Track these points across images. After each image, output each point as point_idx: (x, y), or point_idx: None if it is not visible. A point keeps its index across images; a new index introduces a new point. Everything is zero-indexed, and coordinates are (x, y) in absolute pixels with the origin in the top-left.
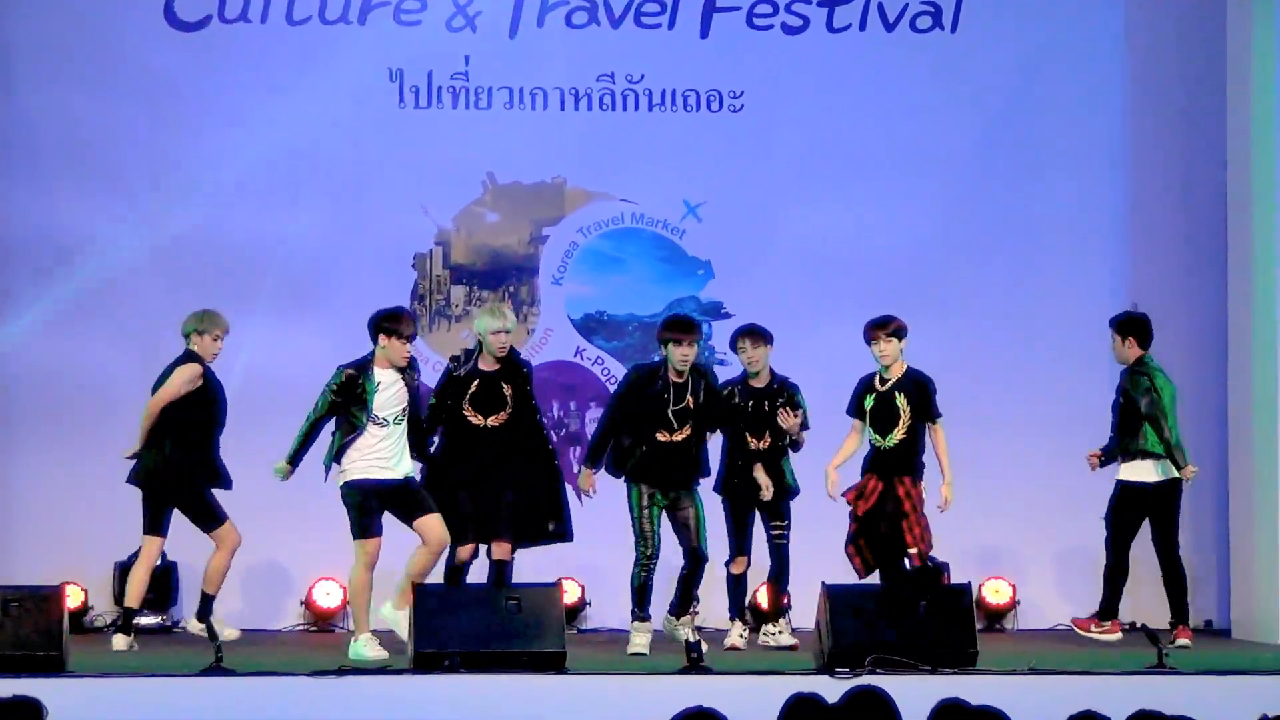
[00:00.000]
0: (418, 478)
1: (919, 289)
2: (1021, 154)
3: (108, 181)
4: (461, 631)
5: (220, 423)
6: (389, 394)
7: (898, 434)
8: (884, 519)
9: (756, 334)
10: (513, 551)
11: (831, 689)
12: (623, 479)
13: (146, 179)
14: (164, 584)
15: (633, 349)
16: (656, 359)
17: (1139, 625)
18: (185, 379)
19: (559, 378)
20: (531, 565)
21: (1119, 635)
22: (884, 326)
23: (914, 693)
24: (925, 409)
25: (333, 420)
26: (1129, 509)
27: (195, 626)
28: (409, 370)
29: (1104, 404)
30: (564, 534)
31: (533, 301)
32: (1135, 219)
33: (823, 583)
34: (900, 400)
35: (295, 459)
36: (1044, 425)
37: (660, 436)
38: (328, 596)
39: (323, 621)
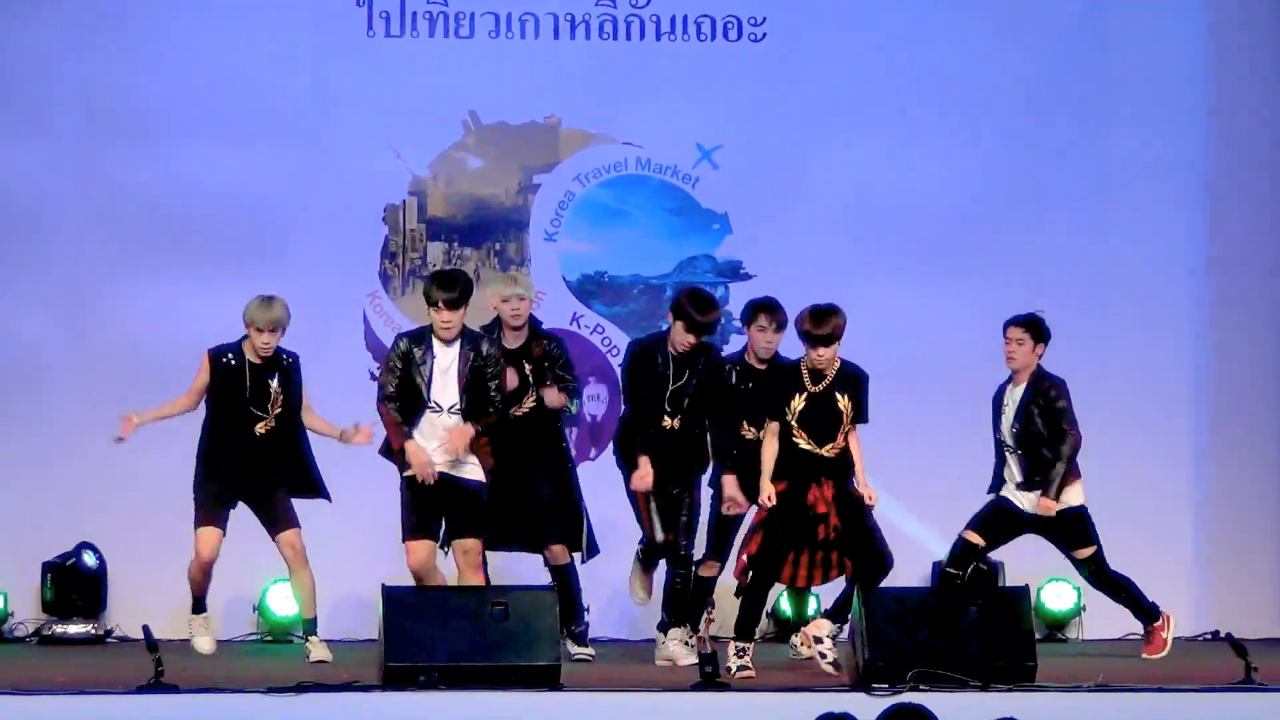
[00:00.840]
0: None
1: (968, 246)
2: (1086, 90)
3: (34, 121)
4: (439, 642)
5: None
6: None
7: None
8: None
9: (778, 312)
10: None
11: (867, 707)
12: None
13: (79, 118)
14: (93, 589)
15: (637, 315)
16: (665, 327)
17: (1224, 635)
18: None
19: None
20: (520, 566)
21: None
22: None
23: (963, 712)
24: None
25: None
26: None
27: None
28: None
29: (1186, 380)
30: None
31: (522, 260)
32: (1217, 168)
33: (856, 585)
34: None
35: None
36: (1114, 404)
37: (662, 422)
38: (285, 602)
39: (278, 631)
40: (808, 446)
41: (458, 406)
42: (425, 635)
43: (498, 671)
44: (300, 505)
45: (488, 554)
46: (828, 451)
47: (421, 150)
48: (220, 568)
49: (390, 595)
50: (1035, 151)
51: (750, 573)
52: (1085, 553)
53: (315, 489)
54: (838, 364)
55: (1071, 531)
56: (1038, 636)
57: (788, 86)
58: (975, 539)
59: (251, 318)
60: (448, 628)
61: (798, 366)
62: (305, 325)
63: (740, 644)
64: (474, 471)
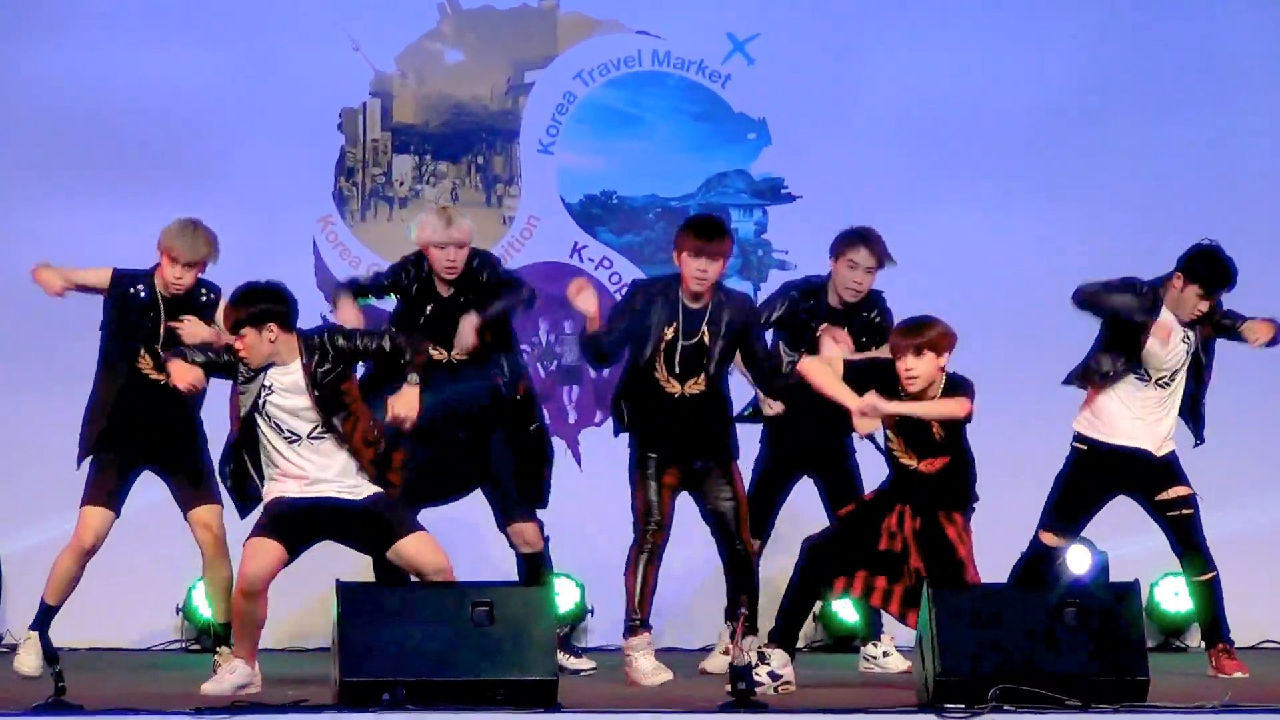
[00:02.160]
0: None
1: (1058, 160)
2: None
3: None
4: (408, 652)
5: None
6: None
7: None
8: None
9: (877, 245)
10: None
11: None
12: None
13: None
14: None
15: (653, 246)
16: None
17: None
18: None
19: (549, 287)
20: (508, 559)
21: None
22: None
23: None
24: None
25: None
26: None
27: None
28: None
29: None
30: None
31: (511, 178)
32: None
33: (925, 583)
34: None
35: None
36: (1244, 363)
37: (667, 386)
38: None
39: (208, 638)
40: (906, 460)
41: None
42: (390, 643)
43: (480, 687)
44: None
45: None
46: (925, 467)
47: (386, 41)
48: (134, 559)
49: (347, 594)
50: (1141, 43)
51: (804, 565)
52: (1177, 492)
53: None
54: (943, 378)
55: (1170, 467)
56: (1150, 645)
57: None
58: (1053, 540)
59: (169, 245)
60: (418, 634)
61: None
62: (243, 257)
63: (780, 652)
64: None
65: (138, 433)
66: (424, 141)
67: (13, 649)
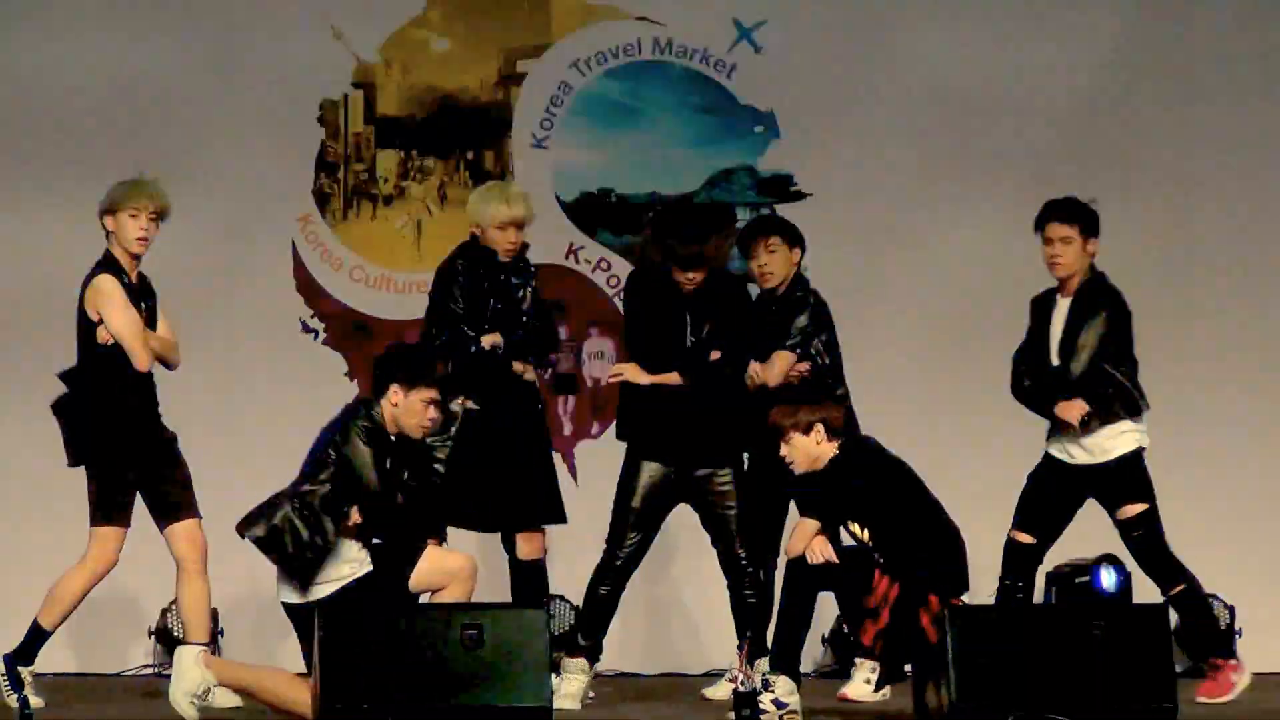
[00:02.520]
0: None
1: (1086, 158)
2: None
3: None
4: (393, 677)
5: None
6: None
7: None
8: None
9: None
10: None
11: None
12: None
13: None
14: None
15: None
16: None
17: None
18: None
19: (543, 291)
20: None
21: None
22: None
23: None
24: None
25: None
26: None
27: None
28: None
29: None
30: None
31: (502, 173)
32: None
33: (942, 600)
34: None
35: None
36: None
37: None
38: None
39: None
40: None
41: None
42: (374, 669)
43: (469, 714)
44: (199, 481)
45: None
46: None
47: (369, 28)
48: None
49: (329, 615)
50: (1179, 35)
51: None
52: (1133, 510)
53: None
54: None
55: (1121, 481)
56: (1178, 669)
57: None
58: (1024, 538)
59: (128, 200)
60: (404, 658)
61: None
62: (215, 259)
63: (785, 680)
64: None
65: (124, 442)
66: (409, 135)
67: None
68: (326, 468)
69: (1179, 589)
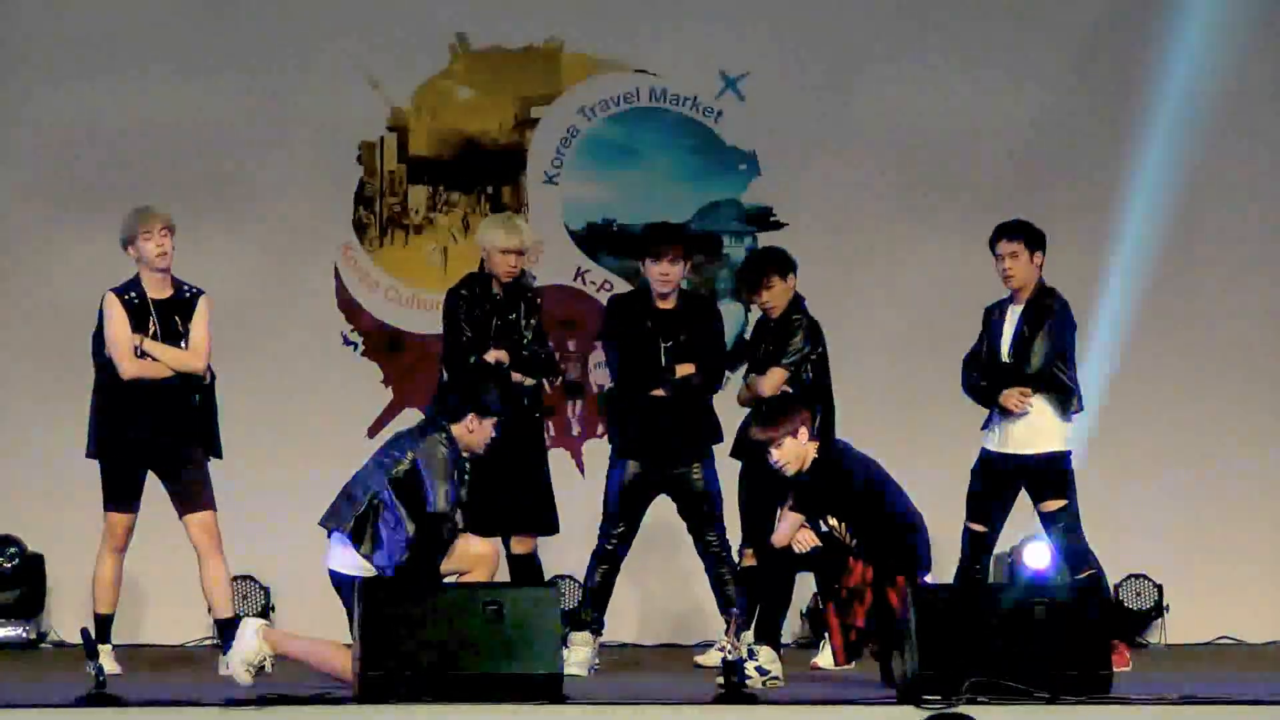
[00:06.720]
0: None
1: (1043, 193)
2: None
3: None
4: (423, 647)
5: None
6: None
7: None
8: None
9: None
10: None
11: None
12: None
13: None
14: (34, 584)
15: None
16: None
17: None
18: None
19: (553, 308)
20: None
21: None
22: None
23: None
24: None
25: None
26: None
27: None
28: None
29: None
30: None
31: (519, 206)
32: None
33: (904, 580)
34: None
35: None
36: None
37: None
38: (243, 601)
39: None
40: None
41: None
42: (406, 640)
43: (490, 681)
44: (256, 475)
45: None
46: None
47: (402, 79)
48: (167, 558)
49: (369, 591)
50: (1122, 76)
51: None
52: (1053, 505)
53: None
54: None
55: (1045, 477)
56: (1114, 641)
57: (826, 3)
58: (977, 527)
59: (143, 223)
60: (432, 631)
61: None
62: (268, 283)
63: (768, 649)
64: None
65: (141, 435)
66: (437, 172)
67: (58, 646)
68: (402, 470)
69: (1086, 573)
